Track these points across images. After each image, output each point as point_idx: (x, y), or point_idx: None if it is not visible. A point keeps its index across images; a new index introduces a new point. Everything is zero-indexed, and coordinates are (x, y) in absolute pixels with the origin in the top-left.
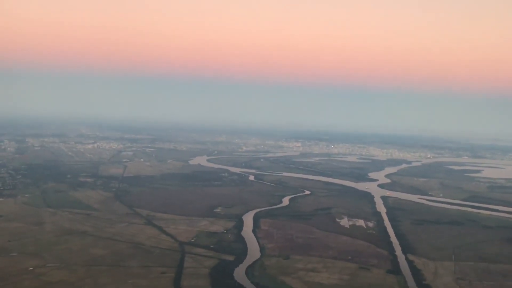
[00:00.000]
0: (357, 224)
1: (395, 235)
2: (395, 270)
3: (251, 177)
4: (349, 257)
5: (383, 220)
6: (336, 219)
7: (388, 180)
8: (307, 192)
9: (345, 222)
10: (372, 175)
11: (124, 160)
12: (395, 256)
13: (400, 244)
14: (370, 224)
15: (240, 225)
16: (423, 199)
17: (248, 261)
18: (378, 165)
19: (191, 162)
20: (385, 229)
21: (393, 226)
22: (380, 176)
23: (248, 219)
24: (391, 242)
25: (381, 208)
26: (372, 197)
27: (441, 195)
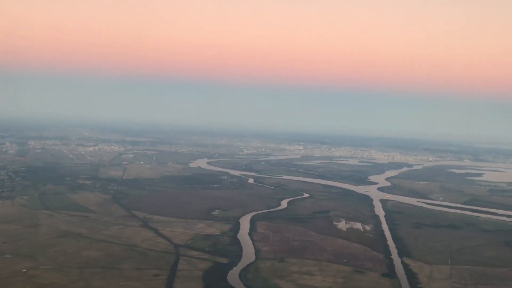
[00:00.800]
0: (355, 227)
1: (392, 239)
2: (390, 273)
3: (251, 180)
4: (345, 260)
5: (380, 223)
6: (334, 222)
7: (388, 184)
8: (306, 195)
9: (342, 225)
10: (372, 178)
11: (124, 162)
12: (391, 260)
13: (397, 247)
14: (368, 227)
15: (236, 227)
16: (423, 202)
17: (242, 264)
18: (379, 168)
19: (191, 165)
20: (382, 232)
21: (390, 230)
22: (381, 179)
23: (245, 222)
24: (387, 246)
25: (380, 211)
26: (371, 200)
27: (441, 198)
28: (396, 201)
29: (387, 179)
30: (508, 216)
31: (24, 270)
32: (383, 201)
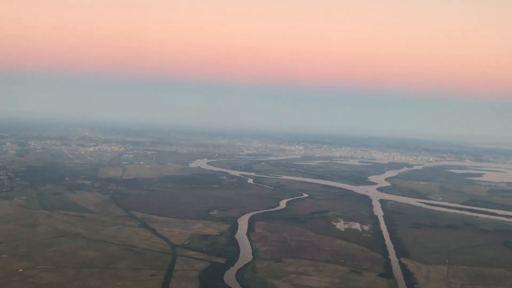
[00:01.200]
0: (353, 227)
1: (390, 239)
2: (387, 273)
3: (250, 180)
4: (342, 261)
5: (379, 224)
6: (332, 222)
7: (388, 184)
8: (305, 195)
9: (340, 225)
10: (372, 178)
11: (124, 162)
12: (388, 260)
13: (395, 247)
14: (366, 228)
15: (235, 227)
16: (422, 202)
17: (239, 264)
18: (379, 168)
19: (191, 165)
20: (380, 232)
21: (389, 230)
22: (380, 179)
23: (243, 222)
24: (385, 246)
25: (379, 211)
26: (370, 200)
27: (440, 198)
28: (395, 201)
29: (387, 179)
30: (507, 216)
31: (21, 270)
32: (382, 201)
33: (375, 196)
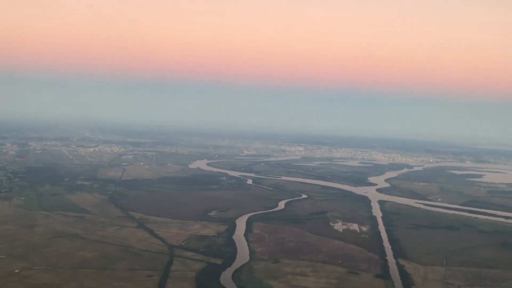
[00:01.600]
0: (351, 228)
1: (388, 240)
2: (384, 274)
3: (249, 181)
4: (339, 261)
5: (377, 225)
6: (330, 223)
7: (388, 185)
8: (304, 196)
9: (339, 226)
10: (372, 179)
11: (123, 163)
12: (385, 261)
13: (392, 248)
14: (364, 229)
15: (232, 228)
16: (421, 203)
17: (236, 264)
18: (379, 169)
19: (190, 166)
20: (378, 233)
21: (387, 231)
22: (380, 180)
23: (241, 223)
24: (383, 247)
25: (377, 212)
26: (369, 201)
27: (439, 199)
28: (394, 202)
29: (386, 180)
30: (506, 217)
31: (17, 270)
32: (381, 202)
33: (374, 197)
